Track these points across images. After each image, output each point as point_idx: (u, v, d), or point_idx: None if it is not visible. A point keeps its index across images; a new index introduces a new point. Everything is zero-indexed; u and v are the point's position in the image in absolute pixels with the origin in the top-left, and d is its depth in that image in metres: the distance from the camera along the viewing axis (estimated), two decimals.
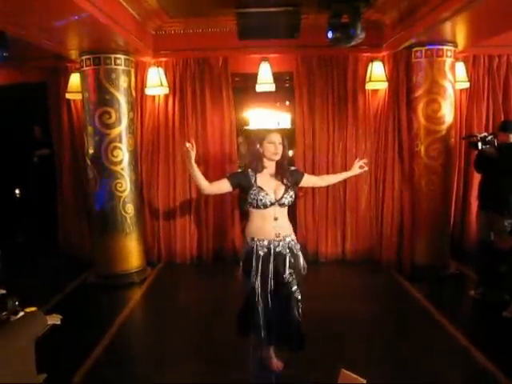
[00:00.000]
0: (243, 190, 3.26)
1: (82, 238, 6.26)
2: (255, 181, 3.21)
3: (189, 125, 6.04)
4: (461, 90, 5.98)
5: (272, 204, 3.17)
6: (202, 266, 6.20)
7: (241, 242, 6.35)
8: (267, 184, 3.21)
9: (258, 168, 3.23)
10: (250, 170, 3.25)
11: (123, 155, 5.41)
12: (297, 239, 3.41)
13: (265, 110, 3.21)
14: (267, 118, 3.27)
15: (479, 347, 3.75)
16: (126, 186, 5.46)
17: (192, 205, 6.19)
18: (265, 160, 3.23)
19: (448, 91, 5.36)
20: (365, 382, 2.17)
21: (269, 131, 3.26)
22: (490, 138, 4.95)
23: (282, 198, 3.20)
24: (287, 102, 8.33)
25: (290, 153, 7.07)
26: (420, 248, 5.62)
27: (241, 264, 3.30)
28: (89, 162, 5.44)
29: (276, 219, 3.20)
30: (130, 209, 5.53)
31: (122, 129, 5.36)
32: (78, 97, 5.73)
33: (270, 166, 3.26)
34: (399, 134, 5.82)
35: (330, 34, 4.76)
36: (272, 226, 3.19)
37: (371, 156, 5.93)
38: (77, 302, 5.08)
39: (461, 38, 5.20)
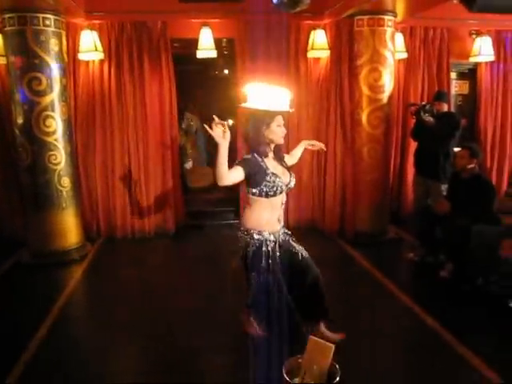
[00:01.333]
0: (252, 178, 2.88)
1: (13, 215, 5.82)
2: (267, 167, 2.92)
3: (126, 92, 5.73)
4: (399, 60, 6.12)
5: (282, 190, 2.96)
6: (143, 241, 6.01)
7: (182, 215, 6.26)
8: (276, 169, 2.98)
9: (266, 152, 2.95)
10: (255, 154, 2.93)
11: (56, 125, 5.04)
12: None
13: (266, 87, 2.75)
14: (270, 97, 2.77)
15: (420, 304, 3.98)
16: (60, 158, 5.12)
17: (132, 177, 5.94)
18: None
19: (388, 60, 5.46)
20: (333, 346, 2.21)
21: (277, 113, 2.92)
22: (428, 107, 5.14)
23: (290, 181, 3.01)
24: (226, 71, 8.22)
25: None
26: (362, 216, 5.77)
27: (246, 260, 3.01)
28: (18, 132, 5.01)
29: (282, 205, 3.03)
30: (66, 182, 5.20)
31: (54, 96, 4.98)
32: (2, 61, 5.24)
33: (270, 150, 3.03)
34: (341, 102, 5.88)
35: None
36: (278, 214, 3.02)
37: (313, 124, 5.98)
38: (12, 284, 4.75)
39: (400, 7, 5.31)
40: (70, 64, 5.48)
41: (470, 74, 6.84)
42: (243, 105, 2.95)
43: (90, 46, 5.36)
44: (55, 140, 5.06)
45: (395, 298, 4.18)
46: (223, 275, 4.52)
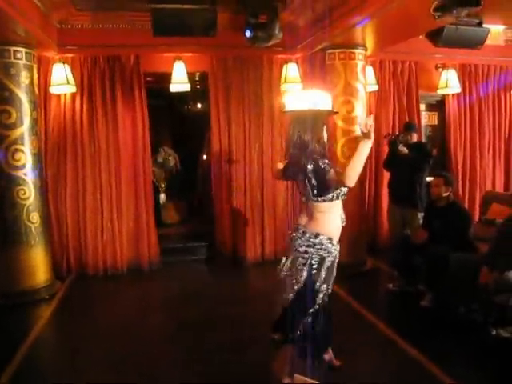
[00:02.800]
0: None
1: None
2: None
3: (98, 126, 5.65)
4: (370, 93, 6.25)
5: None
6: (116, 278, 5.80)
7: (155, 251, 6.08)
8: None
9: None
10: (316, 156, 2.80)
11: (26, 159, 4.91)
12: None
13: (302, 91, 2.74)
14: (306, 99, 2.80)
15: (402, 335, 3.90)
16: (29, 192, 4.95)
17: (104, 212, 5.79)
18: None
19: (360, 93, 5.56)
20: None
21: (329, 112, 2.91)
22: (401, 136, 5.24)
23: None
24: (199, 105, 8.24)
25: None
26: (340, 247, 5.72)
27: (310, 268, 2.83)
28: None
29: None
30: (34, 218, 5.02)
31: (24, 130, 4.86)
32: None
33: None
34: None
35: (247, 33, 4.75)
36: (340, 222, 2.92)
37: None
38: None
39: (370, 42, 5.45)
40: (41, 97, 5.39)
41: (439, 106, 7.05)
42: (292, 108, 2.88)
43: (62, 79, 5.29)
44: (24, 174, 4.91)
45: (376, 330, 4.12)
46: (197, 313, 4.46)
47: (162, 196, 7.55)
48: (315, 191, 2.78)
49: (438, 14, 3.54)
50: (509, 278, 3.77)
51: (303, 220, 2.92)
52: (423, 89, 6.70)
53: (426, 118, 7.07)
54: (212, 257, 6.36)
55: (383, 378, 3.37)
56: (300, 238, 2.84)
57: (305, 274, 2.79)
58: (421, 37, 5.42)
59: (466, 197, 6.97)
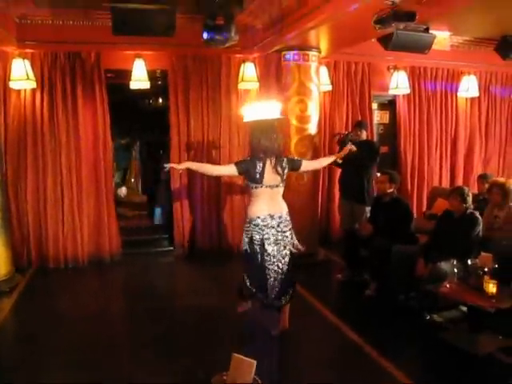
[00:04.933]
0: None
1: None
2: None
3: (59, 121, 5.74)
4: (324, 93, 6.54)
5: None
6: (77, 270, 5.92)
7: (116, 243, 6.24)
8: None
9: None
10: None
11: None
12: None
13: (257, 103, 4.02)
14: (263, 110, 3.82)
15: (345, 321, 4.24)
16: None
17: (64, 205, 5.89)
18: None
19: (314, 93, 5.83)
20: (255, 362, 2.37)
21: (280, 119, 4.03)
22: (351, 135, 5.54)
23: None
24: (160, 100, 8.34)
25: None
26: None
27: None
28: None
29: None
30: None
31: None
32: None
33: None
34: None
35: (205, 35, 4.91)
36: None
37: (244, 152, 6.23)
38: None
39: (324, 45, 5.72)
40: (1, 92, 5.44)
41: (390, 105, 7.41)
42: (249, 119, 3.90)
43: (22, 74, 5.35)
44: None
45: (322, 316, 4.43)
46: (157, 303, 4.66)
47: (123, 189, 7.67)
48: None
49: (378, 26, 3.83)
50: (440, 269, 4.13)
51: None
52: (375, 89, 7.04)
53: (378, 117, 7.41)
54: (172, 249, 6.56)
55: (324, 361, 3.69)
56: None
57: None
58: (373, 40, 5.71)
59: (415, 192, 7.37)
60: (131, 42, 5.56)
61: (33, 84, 5.51)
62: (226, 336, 3.95)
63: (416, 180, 7.39)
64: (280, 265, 3.82)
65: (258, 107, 3.88)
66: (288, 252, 3.90)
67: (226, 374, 2.42)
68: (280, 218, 3.82)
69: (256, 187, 3.73)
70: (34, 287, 5.35)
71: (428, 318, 4.21)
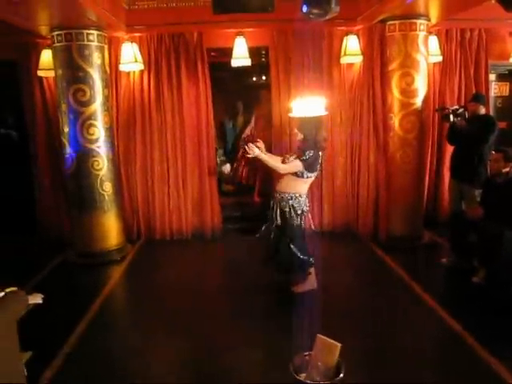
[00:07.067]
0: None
1: (60, 217, 6.22)
2: None
3: (165, 101, 6.00)
4: (434, 64, 6.06)
5: None
6: (181, 242, 6.24)
7: (218, 219, 6.42)
8: None
9: None
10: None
11: (99, 133, 5.38)
12: None
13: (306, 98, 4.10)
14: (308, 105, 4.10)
15: (448, 310, 3.97)
16: (102, 164, 5.45)
17: (170, 181, 6.20)
18: None
19: (421, 65, 5.44)
20: (339, 345, 2.30)
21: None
22: (460, 110, 5.10)
23: None
24: (263, 77, 8.35)
25: None
26: (395, 220, 5.77)
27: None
28: (64, 140, 5.39)
29: None
30: (107, 187, 5.52)
31: (97, 106, 5.31)
32: (51, 74, 5.62)
33: None
34: (374, 107, 5.91)
35: (304, 8, 4.77)
36: None
37: (346, 129, 6.04)
38: (57, 281, 5.09)
39: (434, 11, 5.27)
40: (112, 75, 5.80)
41: (510, 76, 6.67)
42: (297, 115, 4.19)
43: (131, 57, 5.65)
44: (98, 147, 5.38)
45: (422, 304, 4.19)
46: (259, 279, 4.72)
47: (228, 166, 7.85)
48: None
49: None
50: None
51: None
52: (494, 58, 6.33)
53: (496, 89, 6.71)
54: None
55: (422, 349, 3.50)
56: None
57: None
58: (492, 1, 5.14)
59: None
60: (232, 20, 5.60)
61: (140, 66, 5.81)
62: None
63: None
64: None
65: (306, 103, 4.16)
66: None
67: (309, 354, 2.38)
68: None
69: (309, 176, 4.15)
70: (141, 257, 5.75)
71: None
